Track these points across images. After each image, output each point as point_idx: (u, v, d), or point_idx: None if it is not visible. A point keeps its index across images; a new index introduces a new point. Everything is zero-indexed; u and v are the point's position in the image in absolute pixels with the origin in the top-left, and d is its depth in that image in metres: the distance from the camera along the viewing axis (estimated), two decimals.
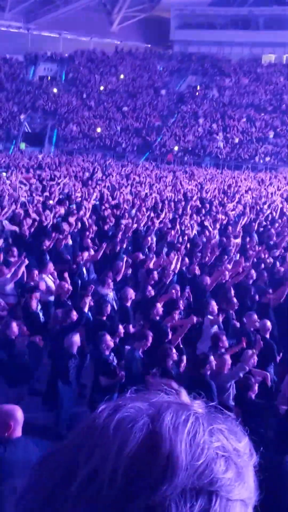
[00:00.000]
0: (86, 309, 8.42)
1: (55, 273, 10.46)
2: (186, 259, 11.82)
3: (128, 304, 9.38)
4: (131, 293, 9.42)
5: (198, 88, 53.08)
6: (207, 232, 14.90)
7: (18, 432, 4.23)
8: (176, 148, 44.84)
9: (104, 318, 8.50)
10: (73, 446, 0.72)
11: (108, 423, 0.71)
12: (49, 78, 54.79)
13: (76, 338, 7.49)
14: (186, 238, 13.80)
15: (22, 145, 44.16)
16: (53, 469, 0.71)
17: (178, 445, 0.68)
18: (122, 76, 54.72)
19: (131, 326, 8.53)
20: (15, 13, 55.77)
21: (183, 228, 15.00)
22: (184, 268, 11.48)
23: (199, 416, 0.73)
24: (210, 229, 15.30)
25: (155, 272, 10.65)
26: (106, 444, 0.69)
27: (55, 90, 52.38)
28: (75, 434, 0.73)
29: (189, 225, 15.51)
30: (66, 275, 9.94)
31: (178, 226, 14.87)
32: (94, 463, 0.68)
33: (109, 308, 8.65)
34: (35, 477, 0.73)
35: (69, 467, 0.69)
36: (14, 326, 7.77)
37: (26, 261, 10.25)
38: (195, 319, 8.14)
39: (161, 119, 49.21)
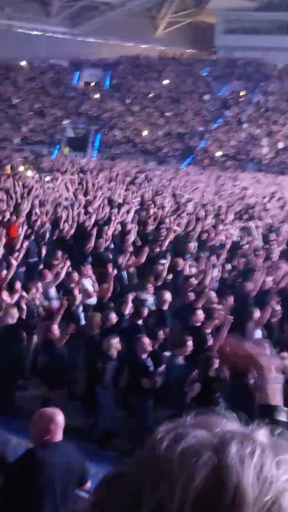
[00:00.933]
0: (126, 313, 8.36)
1: (93, 277, 10.45)
2: (228, 265, 11.66)
3: (165, 307, 9.27)
4: (168, 297, 9.31)
5: (243, 93, 52.67)
6: (250, 238, 14.68)
7: (58, 436, 4.22)
8: (219, 153, 44.56)
9: (141, 322, 8.42)
10: (137, 474, 0.71)
11: (171, 454, 0.71)
12: (93, 83, 55.28)
13: (115, 341, 7.43)
14: (228, 243, 13.63)
15: (66, 150, 44.64)
16: (119, 496, 0.71)
17: (245, 479, 0.66)
18: (166, 82, 54.77)
19: (168, 330, 8.43)
20: (61, 19, 56.51)
21: (225, 233, 14.83)
22: (226, 274, 11.32)
23: (265, 446, 0.70)
24: (255, 234, 15.07)
25: (195, 278, 10.52)
26: (171, 475, 0.68)
27: (98, 95, 52.80)
28: (136, 462, 0.73)
29: (231, 230, 15.32)
30: (107, 278, 9.90)
31: (220, 231, 14.70)
32: (160, 494, 0.68)
33: (146, 312, 8.57)
34: (101, 500, 0.73)
35: (136, 496, 0.70)
36: (55, 329, 7.77)
37: (68, 263, 10.28)
38: (230, 318, 7.94)
39: (204, 124, 49.01)
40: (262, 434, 0.73)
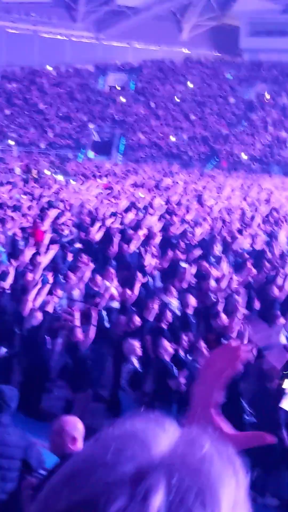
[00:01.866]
0: (150, 317, 8.38)
1: (115, 280, 10.49)
2: (254, 269, 11.60)
3: (189, 311, 9.26)
4: (192, 300, 9.30)
5: (268, 96, 52.37)
6: (275, 241, 14.58)
7: (81, 444, 4.19)
8: (244, 156, 44.37)
9: (165, 325, 8.42)
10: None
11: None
12: (118, 87, 55.55)
13: (136, 344, 7.45)
14: (253, 247, 13.56)
15: (91, 154, 44.90)
16: None
17: None
18: (190, 85, 54.76)
19: (192, 334, 8.42)
20: (86, 24, 56.94)
21: (250, 237, 14.75)
22: (251, 278, 11.27)
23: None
24: (283, 238, 14.96)
25: (219, 282, 10.49)
26: None
27: (123, 99, 53.03)
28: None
29: (257, 233, 15.24)
30: (132, 282, 9.94)
31: (245, 235, 14.63)
32: None
33: (169, 316, 8.57)
34: None
35: None
36: (79, 331, 7.82)
37: (92, 266, 10.35)
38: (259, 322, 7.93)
39: (229, 127, 48.86)
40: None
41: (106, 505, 0.58)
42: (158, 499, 0.58)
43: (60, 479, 0.64)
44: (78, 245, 13.35)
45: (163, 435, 0.67)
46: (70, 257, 12.08)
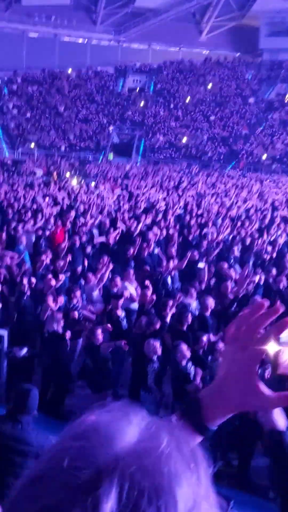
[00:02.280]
0: (168, 318, 8.44)
1: (134, 281, 10.56)
2: (274, 270, 11.58)
3: (207, 313, 9.29)
4: (211, 302, 9.31)
5: None
6: None
7: None
8: (264, 156, 44.18)
9: (184, 327, 8.46)
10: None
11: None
12: (137, 89, 55.70)
13: (156, 344, 7.51)
14: (273, 248, 13.54)
15: (110, 156, 45.10)
16: None
17: None
18: (210, 86, 54.69)
19: (211, 336, 8.44)
20: (106, 26, 57.21)
21: (270, 238, 14.73)
22: (271, 279, 11.25)
23: None
24: None
25: (238, 283, 10.50)
26: None
27: (143, 101, 53.16)
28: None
29: (276, 234, 15.21)
30: (149, 283, 10.01)
31: (265, 236, 14.61)
32: None
33: (189, 318, 8.59)
34: None
35: None
36: (99, 332, 7.92)
37: (111, 266, 10.44)
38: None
39: (249, 128, 48.68)
40: None
41: None
42: (108, 509, 0.58)
43: (21, 488, 0.64)
44: (97, 247, 13.47)
45: (127, 428, 0.66)
46: (89, 259, 12.21)
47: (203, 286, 10.65)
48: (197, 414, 0.99)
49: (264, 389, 0.94)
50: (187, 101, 52.56)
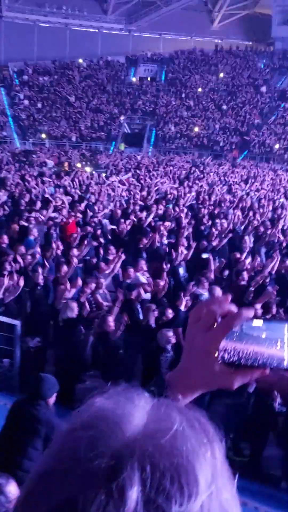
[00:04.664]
0: (182, 308, 8.45)
1: (145, 271, 10.58)
2: (287, 261, 11.55)
3: None
4: (219, 293, 9.31)
5: None
6: None
7: None
8: (277, 146, 43.88)
9: None
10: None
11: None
12: (149, 78, 55.44)
13: (169, 334, 7.54)
14: (285, 237, 13.49)
15: (122, 146, 45.00)
16: None
17: None
18: (222, 75, 54.31)
19: None
20: (117, 15, 56.90)
21: (284, 228, 14.67)
22: (283, 270, 11.22)
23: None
24: None
25: (250, 273, 10.48)
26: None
27: (154, 90, 52.91)
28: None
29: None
30: (163, 273, 10.02)
31: (277, 225, 14.55)
32: None
33: None
34: None
35: None
36: (111, 320, 7.96)
37: (123, 257, 10.47)
38: None
39: (261, 117, 48.35)
40: None
41: (85, 505, 0.58)
42: (134, 493, 0.58)
43: (36, 482, 0.63)
44: (109, 237, 13.49)
45: (134, 412, 0.66)
46: (102, 249, 12.23)
47: (212, 276, 10.63)
48: (162, 394, 1.00)
49: (223, 368, 0.97)
50: (198, 90, 52.25)
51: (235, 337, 0.97)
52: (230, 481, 0.67)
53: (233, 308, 1.00)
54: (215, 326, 0.98)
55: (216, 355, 0.97)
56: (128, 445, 0.61)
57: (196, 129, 46.75)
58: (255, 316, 0.99)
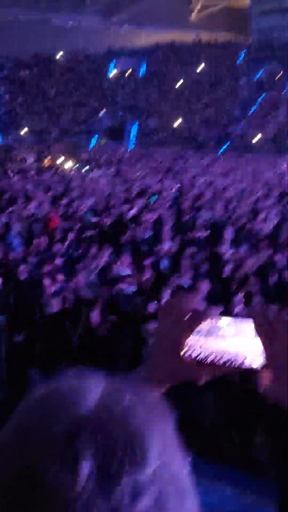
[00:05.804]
0: (164, 301, 8.52)
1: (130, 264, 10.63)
2: (267, 251, 11.66)
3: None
4: (201, 285, 9.38)
5: (280, 75, 51.79)
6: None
7: None
8: (257, 137, 44.08)
9: None
10: None
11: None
12: (129, 72, 55.29)
13: (153, 328, 7.62)
14: (267, 229, 13.62)
15: (103, 141, 44.89)
16: None
17: None
18: (201, 67, 54.34)
19: None
20: (96, 9, 56.64)
21: (263, 219, 14.79)
22: (264, 261, 11.33)
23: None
24: None
25: (232, 265, 10.59)
26: None
27: (134, 84, 52.80)
28: None
29: (270, 215, 15.27)
30: (146, 266, 10.09)
31: (258, 217, 14.68)
32: None
33: None
34: None
35: None
36: (95, 316, 8.01)
37: (107, 251, 10.52)
38: None
39: (241, 109, 48.52)
40: None
41: (42, 473, 0.60)
42: (88, 460, 0.61)
43: None
44: (92, 232, 13.52)
45: (87, 388, 0.70)
46: (85, 244, 12.26)
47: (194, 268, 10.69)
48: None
49: (190, 364, 1.01)
50: (179, 83, 52.24)
51: (202, 334, 1.01)
52: (182, 456, 0.70)
53: (202, 305, 1.07)
54: (183, 322, 1.02)
55: (182, 351, 1.01)
56: (83, 417, 0.65)
57: (177, 122, 46.77)
58: (223, 314, 1.05)
